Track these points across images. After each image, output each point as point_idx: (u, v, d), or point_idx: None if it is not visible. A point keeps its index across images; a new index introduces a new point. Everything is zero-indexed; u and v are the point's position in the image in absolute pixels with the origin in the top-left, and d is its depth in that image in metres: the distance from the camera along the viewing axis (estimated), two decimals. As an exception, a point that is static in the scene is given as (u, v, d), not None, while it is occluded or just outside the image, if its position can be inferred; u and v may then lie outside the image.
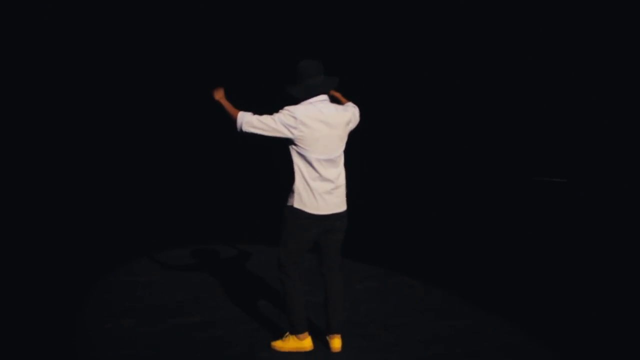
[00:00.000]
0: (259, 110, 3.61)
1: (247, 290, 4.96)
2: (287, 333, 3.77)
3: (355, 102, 3.93)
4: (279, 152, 3.77)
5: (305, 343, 3.71)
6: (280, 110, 3.52)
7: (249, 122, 3.51)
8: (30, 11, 9.86)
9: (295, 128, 3.45)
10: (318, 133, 3.48)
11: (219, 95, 3.69)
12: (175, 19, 10.63)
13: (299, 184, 3.54)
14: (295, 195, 3.55)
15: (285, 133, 3.47)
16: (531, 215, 7.91)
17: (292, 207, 3.56)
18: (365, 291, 4.93)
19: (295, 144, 3.51)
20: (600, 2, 8.72)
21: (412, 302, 4.68)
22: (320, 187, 3.53)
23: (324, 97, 3.58)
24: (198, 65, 10.73)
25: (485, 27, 9.79)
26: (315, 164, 3.51)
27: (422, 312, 4.45)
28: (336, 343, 3.73)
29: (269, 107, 3.63)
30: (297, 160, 3.54)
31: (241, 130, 3.54)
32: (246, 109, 3.61)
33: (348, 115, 3.67)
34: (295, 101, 3.58)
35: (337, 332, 3.75)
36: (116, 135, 10.73)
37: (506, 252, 6.23)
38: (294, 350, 3.72)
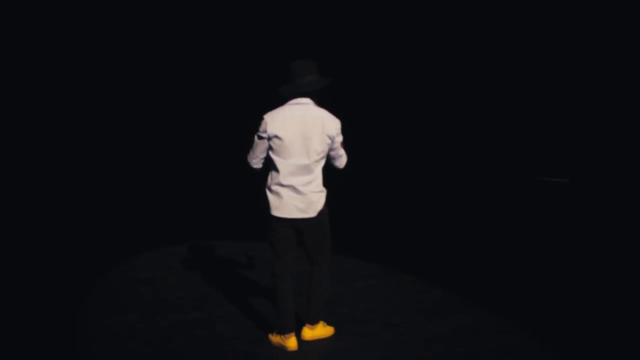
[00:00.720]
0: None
1: (247, 287, 4.97)
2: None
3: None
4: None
5: (288, 343, 3.75)
6: None
7: (248, 156, 3.71)
8: (30, 11, 9.89)
9: (265, 131, 3.56)
10: (284, 134, 3.52)
11: None
12: (175, 20, 10.66)
13: (268, 184, 3.66)
14: (265, 195, 3.67)
15: (263, 139, 3.59)
16: (532, 215, 7.91)
17: (263, 206, 3.70)
18: (365, 289, 4.94)
19: (269, 146, 3.60)
20: (601, 2, 8.72)
21: (412, 301, 4.68)
22: (282, 191, 3.58)
23: (305, 100, 3.59)
24: (198, 66, 10.76)
25: (487, 27, 9.79)
26: (282, 166, 3.56)
27: (422, 310, 4.46)
28: (304, 332, 3.82)
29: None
30: (269, 162, 3.65)
31: (252, 167, 3.73)
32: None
33: (329, 126, 3.57)
34: (285, 100, 3.67)
35: (308, 322, 3.84)
36: (118, 133, 10.75)
37: (507, 251, 6.24)
38: (278, 346, 3.80)
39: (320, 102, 3.72)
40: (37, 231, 6.80)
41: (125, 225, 7.26)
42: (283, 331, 3.76)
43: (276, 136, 3.53)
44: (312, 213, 3.62)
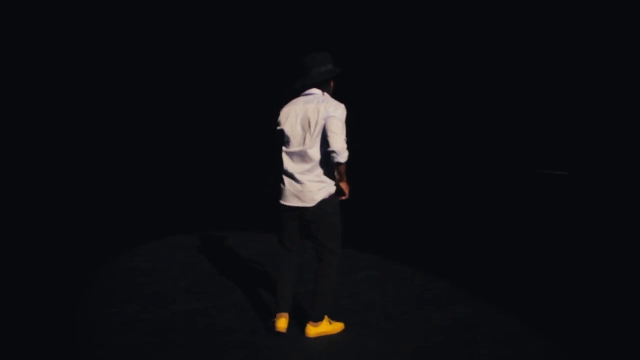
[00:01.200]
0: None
1: (248, 278, 4.99)
2: None
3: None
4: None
5: (277, 323, 3.83)
6: None
7: None
8: (31, 11, 9.91)
9: (276, 123, 3.73)
10: (286, 124, 3.67)
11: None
12: (176, 19, 10.70)
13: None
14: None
15: (277, 130, 3.77)
16: (533, 207, 7.91)
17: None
18: (366, 280, 4.95)
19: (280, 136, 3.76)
20: (598, 1, 8.74)
21: (413, 292, 4.70)
22: (285, 179, 3.71)
23: (314, 91, 3.67)
24: (203, 64, 10.77)
25: (490, 25, 9.78)
26: (284, 155, 3.71)
27: (422, 301, 4.47)
28: (306, 330, 3.82)
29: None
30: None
31: None
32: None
33: (325, 109, 3.53)
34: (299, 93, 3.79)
35: (310, 319, 3.82)
36: (122, 126, 10.76)
37: (507, 243, 6.25)
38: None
39: (336, 96, 3.74)
40: (39, 221, 6.81)
41: (127, 216, 7.27)
42: (276, 311, 3.85)
43: (281, 127, 3.69)
44: (309, 202, 3.63)
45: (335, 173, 3.67)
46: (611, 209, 7.71)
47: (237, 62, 10.73)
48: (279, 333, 3.81)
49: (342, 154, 3.47)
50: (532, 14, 9.41)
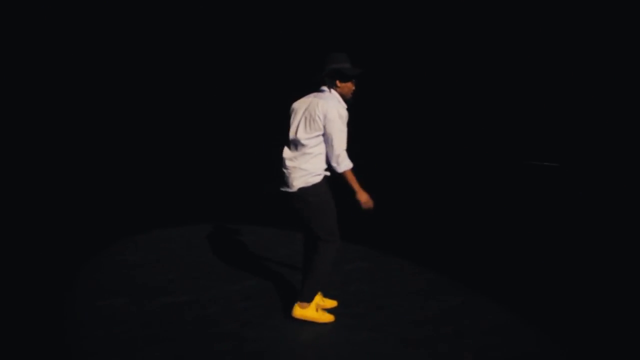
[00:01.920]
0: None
1: (237, 270, 4.98)
2: None
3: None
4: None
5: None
6: None
7: None
8: (31, 11, 9.85)
9: None
10: (292, 113, 3.84)
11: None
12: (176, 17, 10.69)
13: None
14: None
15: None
16: (522, 198, 7.95)
17: None
18: (355, 271, 4.96)
19: None
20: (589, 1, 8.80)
21: (402, 283, 4.71)
22: (281, 166, 3.84)
23: (323, 87, 3.81)
24: (188, 53, 10.74)
25: (481, 20, 9.80)
26: (285, 142, 3.87)
27: (411, 292, 4.49)
28: (293, 309, 3.89)
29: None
30: None
31: None
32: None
33: (320, 108, 3.67)
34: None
35: (298, 299, 3.88)
36: (108, 119, 10.70)
37: (495, 234, 6.27)
38: None
39: (358, 97, 3.88)
40: (28, 214, 6.76)
41: (116, 209, 7.24)
42: None
43: (288, 114, 3.87)
44: (290, 187, 3.75)
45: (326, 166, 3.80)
46: (601, 199, 7.75)
47: (229, 55, 10.69)
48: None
49: (340, 165, 3.68)
50: (521, 9, 9.43)
